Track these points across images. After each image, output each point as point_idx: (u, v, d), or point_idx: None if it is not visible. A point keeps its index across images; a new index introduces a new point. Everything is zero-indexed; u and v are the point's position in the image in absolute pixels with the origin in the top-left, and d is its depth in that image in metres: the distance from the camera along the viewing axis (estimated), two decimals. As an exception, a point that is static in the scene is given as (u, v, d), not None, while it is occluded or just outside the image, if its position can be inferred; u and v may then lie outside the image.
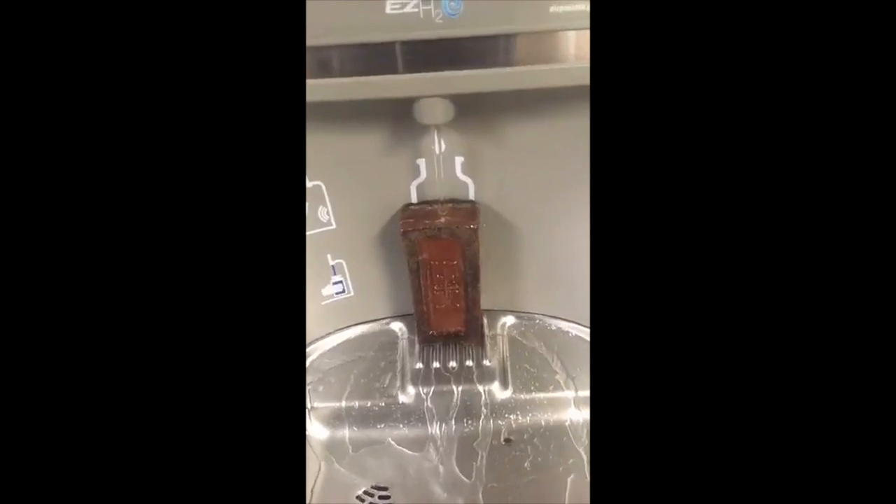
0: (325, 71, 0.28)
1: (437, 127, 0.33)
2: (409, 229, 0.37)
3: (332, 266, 0.42)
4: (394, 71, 0.28)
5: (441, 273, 0.40)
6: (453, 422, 0.43)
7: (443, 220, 0.37)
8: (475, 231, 0.37)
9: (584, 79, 0.28)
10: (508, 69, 0.28)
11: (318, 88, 0.28)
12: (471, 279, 0.40)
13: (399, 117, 0.33)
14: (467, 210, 0.38)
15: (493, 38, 0.28)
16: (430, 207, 0.38)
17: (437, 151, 0.35)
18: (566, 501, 0.39)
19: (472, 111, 0.33)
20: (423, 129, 0.34)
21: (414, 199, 0.38)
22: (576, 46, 0.28)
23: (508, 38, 0.28)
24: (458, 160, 0.37)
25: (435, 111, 0.30)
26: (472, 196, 0.38)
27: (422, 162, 0.37)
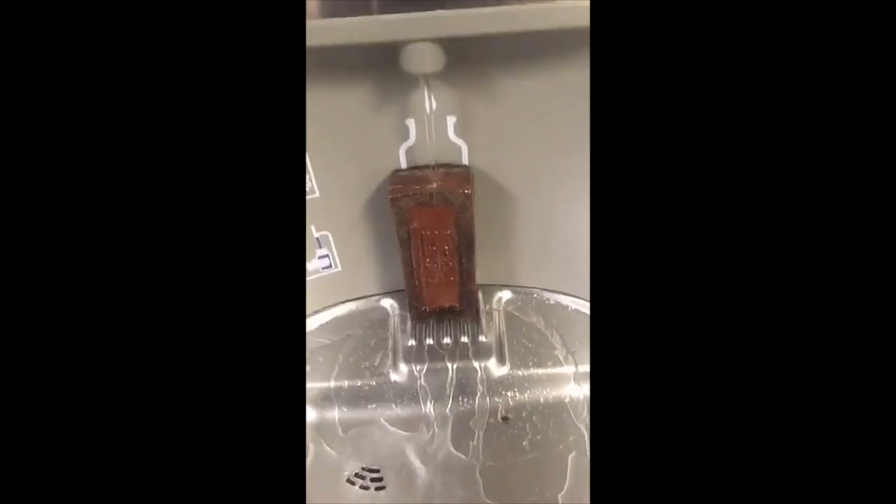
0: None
1: (427, 78, 0.31)
2: (399, 195, 0.35)
3: (317, 238, 0.40)
4: (369, 11, 0.25)
5: (433, 244, 0.38)
6: (448, 400, 0.41)
7: (434, 185, 0.35)
8: (469, 197, 0.35)
9: (586, 19, 0.26)
10: (501, 8, 0.26)
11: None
12: (465, 250, 0.38)
13: (384, 69, 0.30)
14: (460, 174, 0.36)
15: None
16: (420, 172, 0.36)
17: (428, 109, 0.33)
18: (567, 480, 0.38)
19: (464, 61, 0.30)
20: (412, 83, 0.31)
21: (403, 165, 0.36)
22: (577, -18, 0.25)
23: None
24: (451, 120, 0.34)
25: (423, 58, 0.27)
26: (465, 160, 0.36)
27: (411, 123, 0.34)
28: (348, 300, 0.44)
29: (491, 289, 0.44)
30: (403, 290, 0.41)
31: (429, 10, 0.26)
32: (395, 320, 0.44)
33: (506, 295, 0.44)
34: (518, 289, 0.44)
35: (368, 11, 0.26)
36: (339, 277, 0.42)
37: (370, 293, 0.44)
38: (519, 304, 0.44)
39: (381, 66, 0.30)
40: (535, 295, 0.44)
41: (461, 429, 0.40)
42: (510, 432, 0.40)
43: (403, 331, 0.43)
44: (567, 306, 0.44)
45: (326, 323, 0.44)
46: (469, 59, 0.31)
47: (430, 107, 0.33)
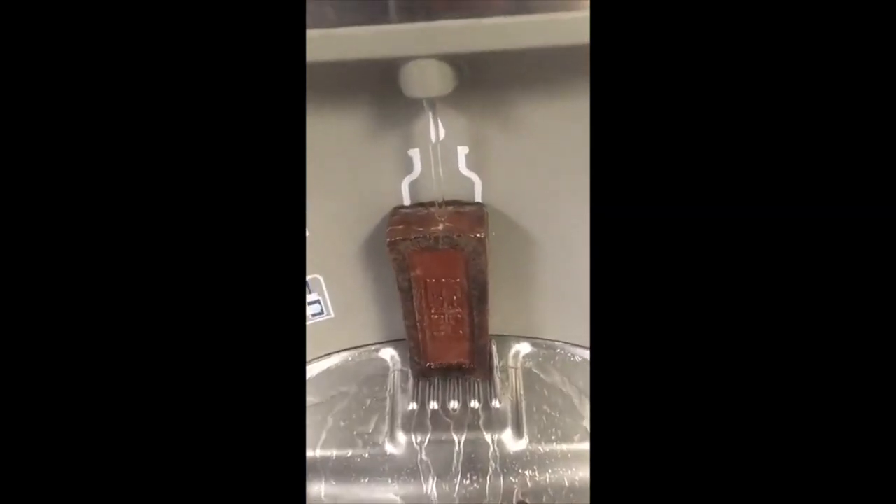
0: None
1: (433, 103, 0.26)
2: (398, 238, 0.31)
3: (307, 282, 0.36)
4: (384, 20, 0.21)
5: (440, 293, 0.34)
6: (455, 479, 0.36)
7: (441, 227, 0.31)
8: (482, 241, 0.30)
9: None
10: (521, 18, 0.21)
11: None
12: (476, 300, 0.33)
13: (385, 91, 0.26)
14: (473, 214, 0.31)
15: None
16: (425, 211, 0.32)
17: (435, 139, 0.29)
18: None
19: (479, 82, 0.26)
20: (416, 107, 0.27)
21: (406, 201, 0.32)
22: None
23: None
24: (462, 151, 0.30)
25: (427, 79, 0.23)
26: (478, 197, 0.32)
27: (415, 153, 0.30)
28: (341, 350, 0.40)
29: (506, 340, 0.40)
30: (405, 340, 0.37)
31: (434, 19, 0.21)
32: (394, 376, 0.39)
33: (524, 348, 0.40)
34: (538, 341, 0.40)
35: (386, 19, 0.21)
36: (332, 325, 0.38)
37: (366, 342, 0.40)
38: (539, 359, 0.39)
39: (381, 86, 0.26)
40: (559, 350, 0.39)
41: (469, 516, 0.34)
42: (528, 521, 0.34)
43: (404, 390, 0.38)
44: (595, 365, 0.38)
45: (315, 377, 0.39)
46: (484, 81, 0.26)
47: (437, 135, 0.29)
